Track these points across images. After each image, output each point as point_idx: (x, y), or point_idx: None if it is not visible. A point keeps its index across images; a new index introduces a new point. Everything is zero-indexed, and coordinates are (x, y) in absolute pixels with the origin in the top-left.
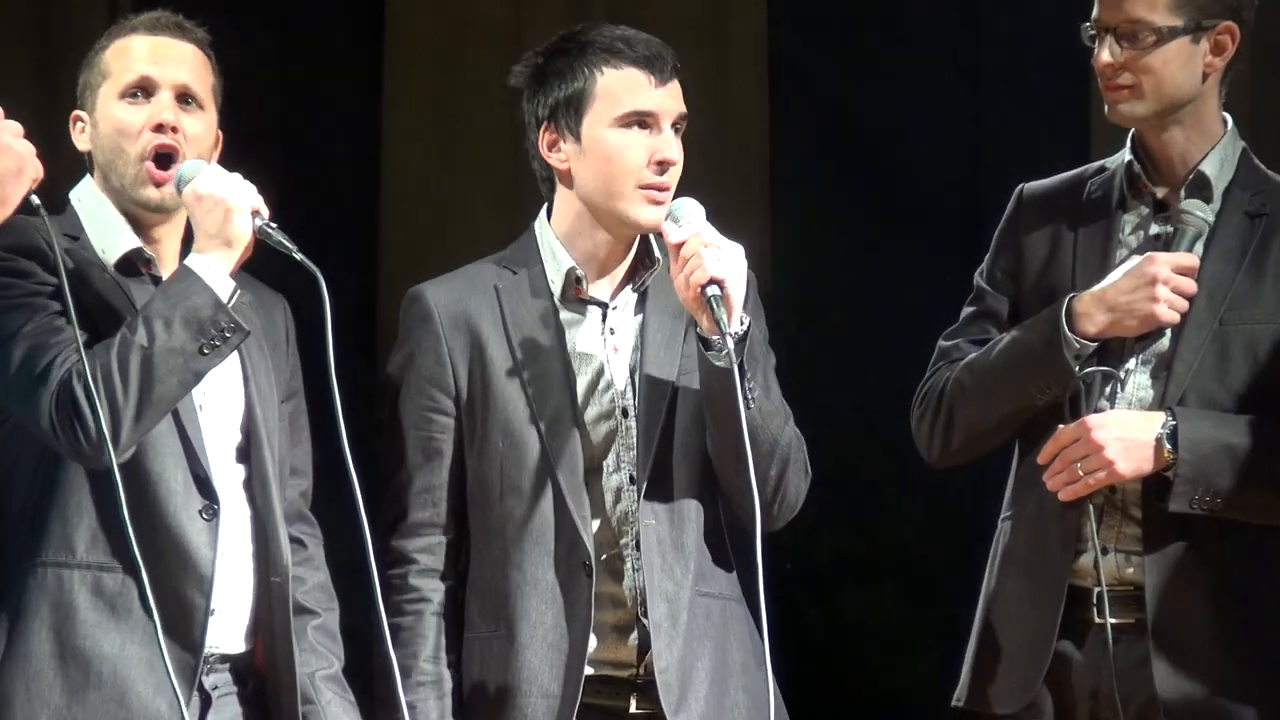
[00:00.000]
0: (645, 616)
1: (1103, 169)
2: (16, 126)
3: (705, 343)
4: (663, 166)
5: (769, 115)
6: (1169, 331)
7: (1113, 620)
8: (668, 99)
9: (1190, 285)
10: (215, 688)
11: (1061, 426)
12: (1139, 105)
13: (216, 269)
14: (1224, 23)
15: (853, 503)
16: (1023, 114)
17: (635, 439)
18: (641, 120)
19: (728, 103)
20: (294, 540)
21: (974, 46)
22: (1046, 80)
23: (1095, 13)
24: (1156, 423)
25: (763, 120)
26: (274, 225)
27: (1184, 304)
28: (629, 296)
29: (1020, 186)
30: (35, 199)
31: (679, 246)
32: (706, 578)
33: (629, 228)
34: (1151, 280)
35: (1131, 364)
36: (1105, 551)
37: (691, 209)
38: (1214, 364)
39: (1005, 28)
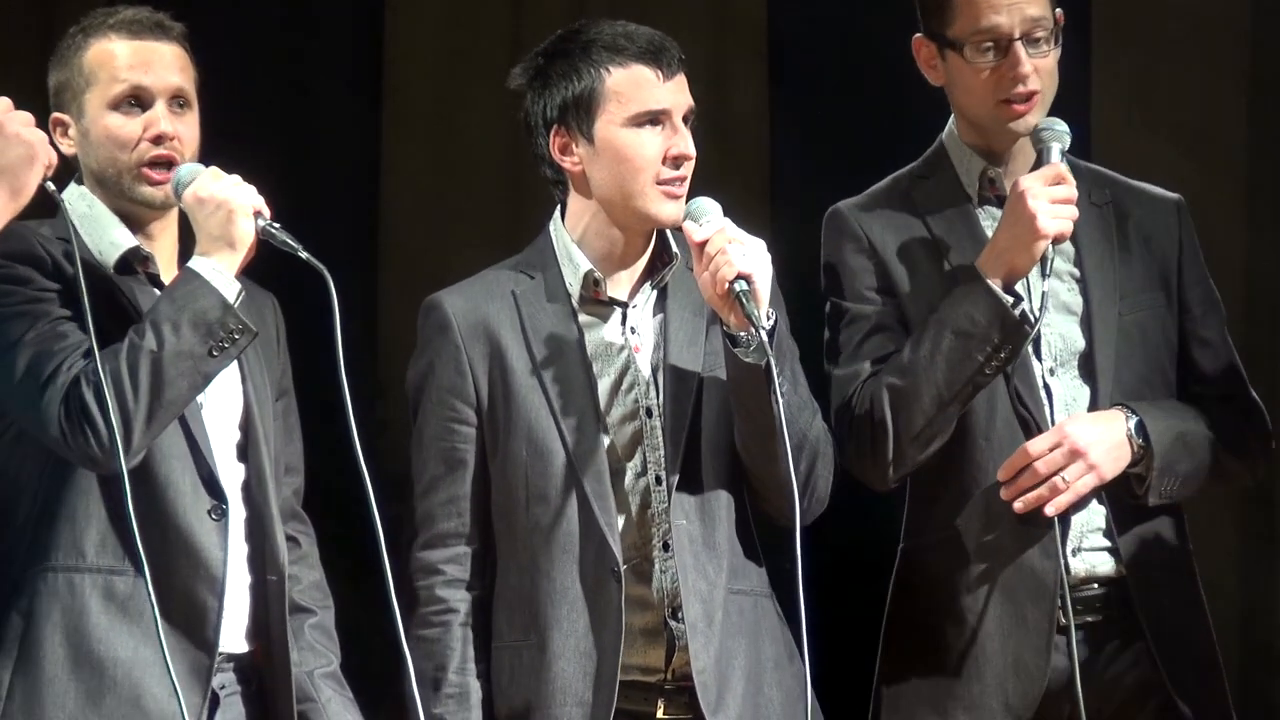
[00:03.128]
0: (674, 619)
1: (922, 174)
2: (27, 116)
3: (732, 339)
4: (678, 162)
5: (769, 115)
6: (1081, 332)
7: (1089, 619)
8: (677, 93)
9: (1067, 190)
10: (223, 687)
11: (1028, 443)
12: (1036, 114)
13: (221, 271)
14: (1058, 9)
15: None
16: None
17: (661, 439)
18: (654, 118)
19: (728, 102)
20: (289, 539)
21: None
22: None
23: (990, 22)
24: (1120, 420)
25: (763, 120)
26: (277, 225)
27: (1069, 210)
28: (648, 293)
29: (833, 209)
30: (51, 185)
31: (702, 245)
32: (738, 575)
33: (649, 224)
34: (1022, 203)
35: (1054, 368)
36: (1075, 553)
37: (710, 206)
38: (1125, 355)
39: None
